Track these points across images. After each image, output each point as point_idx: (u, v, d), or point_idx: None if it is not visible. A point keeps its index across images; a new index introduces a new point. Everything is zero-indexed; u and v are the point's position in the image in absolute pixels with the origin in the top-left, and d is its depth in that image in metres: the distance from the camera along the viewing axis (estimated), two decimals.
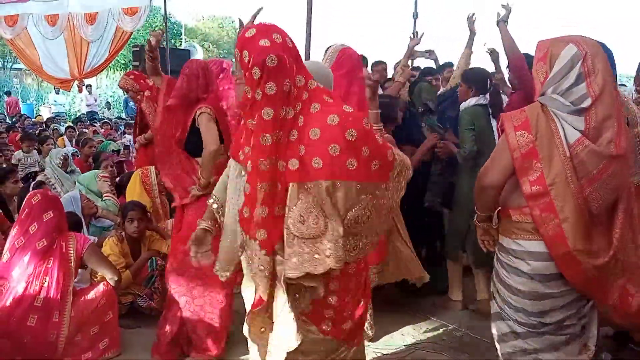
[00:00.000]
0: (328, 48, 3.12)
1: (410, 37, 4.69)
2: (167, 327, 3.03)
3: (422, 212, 3.85)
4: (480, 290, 3.75)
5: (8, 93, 17.15)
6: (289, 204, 1.66)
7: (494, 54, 4.26)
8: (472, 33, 4.45)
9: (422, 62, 7.02)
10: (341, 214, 1.65)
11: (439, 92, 4.64)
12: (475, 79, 3.76)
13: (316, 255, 1.64)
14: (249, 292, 1.95)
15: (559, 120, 1.87)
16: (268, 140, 1.64)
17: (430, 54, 6.67)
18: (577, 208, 1.84)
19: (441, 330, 3.55)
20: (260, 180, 1.67)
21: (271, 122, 1.63)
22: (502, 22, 3.93)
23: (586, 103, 1.82)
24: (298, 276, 1.66)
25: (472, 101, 3.70)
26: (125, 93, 4.93)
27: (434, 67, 6.06)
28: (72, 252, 3.00)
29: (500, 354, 2.19)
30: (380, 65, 5.36)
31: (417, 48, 5.02)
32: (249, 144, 1.72)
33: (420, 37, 4.73)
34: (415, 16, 8.93)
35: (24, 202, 3.07)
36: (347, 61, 3.00)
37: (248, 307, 1.96)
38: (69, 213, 3.63)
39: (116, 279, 3.14)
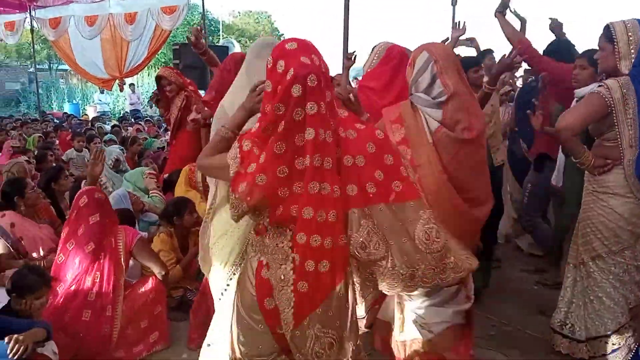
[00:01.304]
0: (374, 47, 3.13)
1: (453, 27, 4.41)
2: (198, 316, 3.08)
3: None
4: None
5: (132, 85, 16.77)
6: (351, 230, 1.65)
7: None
8: (523, 21, 4.25)
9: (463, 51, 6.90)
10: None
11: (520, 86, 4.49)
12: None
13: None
14: None
15: (422, 113, 2.14)
16: (307, 162, 1.57)
17: (471, 42, 6.53)
18: (441, 185, 2.07)
19: (489, 325, 3.48)
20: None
21: (312, 143, 1.57)
22: (498, 13, 3.81)
23: (442, 98, 2.09)
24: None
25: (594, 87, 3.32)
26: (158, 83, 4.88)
27: (475, 55, 5.93)
28: (121, 246, 3.07)
29: None
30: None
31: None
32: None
33: (464, 27, 4.52)
34: (454, 3, 8.76)
35: (73, 203, 3.15)
36: (396, 56, 3.01)
37: None
38: (124, 210, 3.75)
39: (164, 273, 3.20)
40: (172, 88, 4.78)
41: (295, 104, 1.56)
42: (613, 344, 2.72)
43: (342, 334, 1.68)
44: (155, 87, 4.98)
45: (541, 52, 4.11)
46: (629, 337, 2.73)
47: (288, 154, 1.58)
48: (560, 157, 3.61)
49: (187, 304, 3.58)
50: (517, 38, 3.79)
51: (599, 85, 2.58)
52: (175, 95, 4.82)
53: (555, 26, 4.21)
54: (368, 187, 1.63)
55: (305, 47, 1.63)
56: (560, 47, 4.02)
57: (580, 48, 4.06)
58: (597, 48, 2.71)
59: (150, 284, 3.16)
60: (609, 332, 2.72)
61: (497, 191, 3.66)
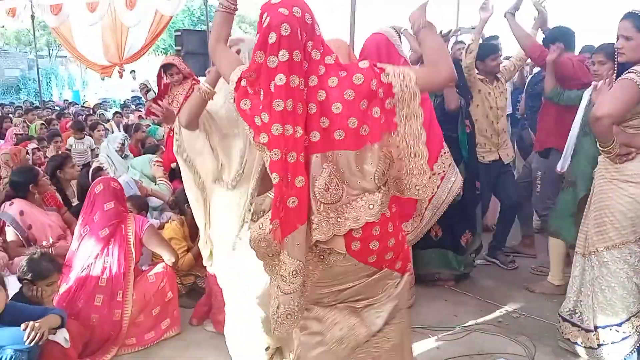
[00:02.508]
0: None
1: (482, 7, 4.03)
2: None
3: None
4: None
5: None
6: (314, 174, 1.69)
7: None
8: (542, 13, 4.14)
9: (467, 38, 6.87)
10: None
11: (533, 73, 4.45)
12: None
13: (338, 219, 1.72)
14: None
15: None
16: (280, 106, 1.62)
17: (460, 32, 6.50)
18: None
19: (497, 312, 3.51)
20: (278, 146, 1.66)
21: (284, 88, 1.62)
22: (509, 14, 3.77)
23: None
24: (327, 239, 1.72)
25: None
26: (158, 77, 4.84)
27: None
28: (131, 233, 3.10)
29: None
30: None
31: (461, 25, 4.84)
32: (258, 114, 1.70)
33: (492, 7, 4.08)
34: None
35: (88, 191, 3.18)
36: (367, 46, 3.11)
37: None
38: (135, 197, 3.78)
39: (173, 260, 3.21)
40: (178, 77, 4.77)
41: (270, 51, 1.64)
42: (624, 332, 2.72)
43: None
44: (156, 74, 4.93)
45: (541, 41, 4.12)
46: (639, 325, 2.73)
47: (267, 99, 1.65)
48: (569, 142, 3.61)
49: (198, 291, 3.61)
50: (529, 42, 3.75)
51: (629, 72, 2.51)
52: (179, 84, 4.80)
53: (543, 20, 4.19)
54: (336, 134, 1.67)
55: (287, 0, 1.69)
56: (561, 35, 4.00)
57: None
58: (620, 36, 2.60)
59: (161, 271, 3.17)
60: (621, 322, 2.72)
61: (470, 184, 3.72)
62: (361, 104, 1.66)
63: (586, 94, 3.54)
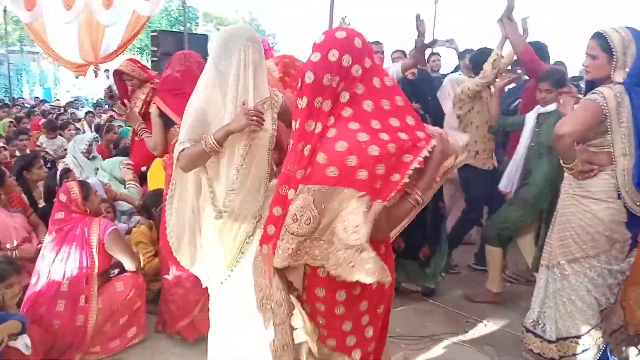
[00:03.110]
0: None
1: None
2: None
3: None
4: None
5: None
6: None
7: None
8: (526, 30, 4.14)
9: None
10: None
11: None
12: None
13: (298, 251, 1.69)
14: None
15: None
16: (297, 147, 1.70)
17: (450, 42, 6.61)
18: None
19: (464, 322, 3.56)
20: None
21: (296, 132, 1.69)
22: (505, 18, 3.85)
23: None
24: (281, 266, 1.69)
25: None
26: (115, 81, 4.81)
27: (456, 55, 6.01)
28: (94, 237, 3.02)
29: None
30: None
31: (437, 37, 4.87)
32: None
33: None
34: (436, 0, 8.85)
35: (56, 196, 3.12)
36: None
37: None
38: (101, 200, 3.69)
39: (134, 268, 3.15)
40: (133, 83, 4.70)
41: (297, 94, 1.70)
42: (583, 345, 2.79)
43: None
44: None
45: None
46: (599, 338, 2.80)
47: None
48: (514, 163, 3.74)
49: None
50: (520, 45, 3.82)
51: (593, 93, 2.61)
52: (138, 87, 4.75)
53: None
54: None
55: (331, 40, 1.70)
56: (536, 49, 4.09)
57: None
58: (587, 55, 2.69)
59: (130, 280, 3.12)
60: (580, 334, 2.79)
61: (433, 202, 3.73)
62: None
63: (529, 118, 3.68)
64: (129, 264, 3.14)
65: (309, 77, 1.67)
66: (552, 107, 3.55)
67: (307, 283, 1.73)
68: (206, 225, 2.45)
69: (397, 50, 5.51)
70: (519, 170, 3.70)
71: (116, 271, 3.26)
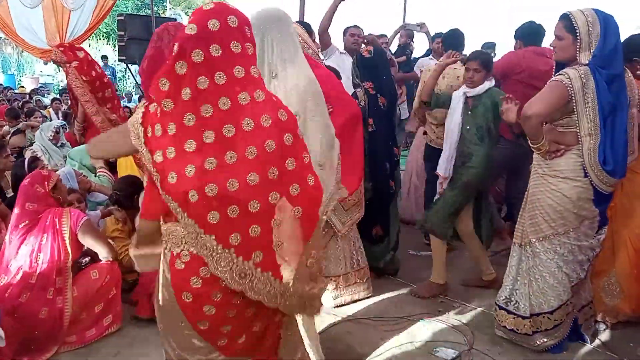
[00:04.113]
0: None
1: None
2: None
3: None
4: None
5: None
6: None
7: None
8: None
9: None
10: None
11: None
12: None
13: None
14: None
15: None
16: None
17: (421, 27, 6.66)
18: None
19: (438, 302, 3.61)
20: None
21: None
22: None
23: None
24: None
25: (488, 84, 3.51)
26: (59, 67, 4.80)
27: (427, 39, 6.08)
28: (65, 228, 2.95)
29: None
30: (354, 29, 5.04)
31: (407, 21, 4.91)
32: None
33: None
34: None
35: (20, 187, 3.04)
36: None
37: None
38: (70, 190, 3.61)
39: (111, 258, 3.11)
40: (65, 69, 4.69)
41: None
42: (555, 320, 2.88)
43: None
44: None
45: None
46: (570, 313, 2.90)
47: None
48: (450, 147, 3.54)
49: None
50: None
51: (559, 74, 2.66)
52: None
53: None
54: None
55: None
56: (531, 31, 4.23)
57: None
58: (555, 36, 2.73)
59: (105, 267, 3.08)
60: (552, 309, 2.87)
61: (384, 182, 3.79)
62: None
63: (456, 98, 3.56)
64: (104, 254, 3.09)
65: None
66: (482, 88, 3.45)
67: None
68: None
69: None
70: (454, 154, 3.54)
71: (87, 259, 3.21)
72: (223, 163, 1.55)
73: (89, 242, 3.05)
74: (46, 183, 3.01)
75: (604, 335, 3.14)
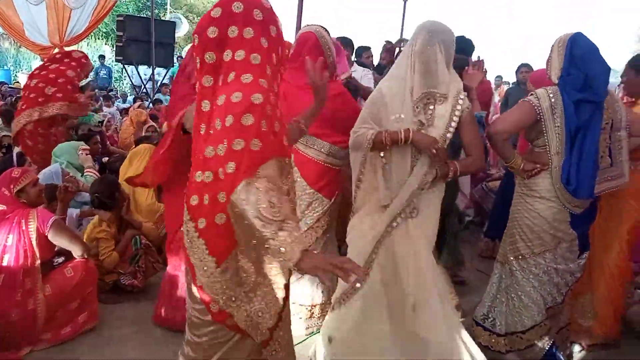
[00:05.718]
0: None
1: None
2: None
3: None
4: None
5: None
6: None
7: None
8: None
9: None
10: None
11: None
12: None
13: None
14: None
15: None
16: None
17: (404, 43, 6.71)
18: None
19: None
20: None
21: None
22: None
23: None
24: None
25: None
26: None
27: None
28: (32, 230, 2.90)
29: None
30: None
31: (405, 35, 4.98)
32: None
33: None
34: None
35: None
36: (297, 42, 3.12)
37: None
38: (50, 185, 3.57)
39: (85, 256, 3.09)
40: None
41: None
42: (528, 340, 2.88)
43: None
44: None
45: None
46: (543, 335, 2.89)
47: None
48: None
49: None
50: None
51: (530, 94, 2.74)
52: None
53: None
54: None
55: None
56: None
57: None
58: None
59: (80, 264, 3.07)
60: (525, 329, 2.88)
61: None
62: None
63: None
64: (78, 252, 3.06)
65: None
66: None
67: None
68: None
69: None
70: None
71: (61, 259, 3.19)
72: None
73: (61, 242, 3.02)
74: (12, 186, 2.96)
75: (578, 357, 3.17)
